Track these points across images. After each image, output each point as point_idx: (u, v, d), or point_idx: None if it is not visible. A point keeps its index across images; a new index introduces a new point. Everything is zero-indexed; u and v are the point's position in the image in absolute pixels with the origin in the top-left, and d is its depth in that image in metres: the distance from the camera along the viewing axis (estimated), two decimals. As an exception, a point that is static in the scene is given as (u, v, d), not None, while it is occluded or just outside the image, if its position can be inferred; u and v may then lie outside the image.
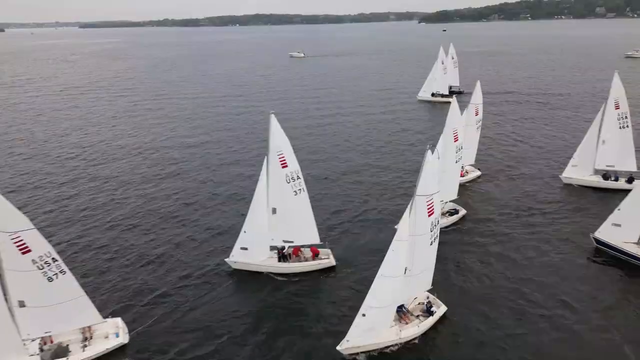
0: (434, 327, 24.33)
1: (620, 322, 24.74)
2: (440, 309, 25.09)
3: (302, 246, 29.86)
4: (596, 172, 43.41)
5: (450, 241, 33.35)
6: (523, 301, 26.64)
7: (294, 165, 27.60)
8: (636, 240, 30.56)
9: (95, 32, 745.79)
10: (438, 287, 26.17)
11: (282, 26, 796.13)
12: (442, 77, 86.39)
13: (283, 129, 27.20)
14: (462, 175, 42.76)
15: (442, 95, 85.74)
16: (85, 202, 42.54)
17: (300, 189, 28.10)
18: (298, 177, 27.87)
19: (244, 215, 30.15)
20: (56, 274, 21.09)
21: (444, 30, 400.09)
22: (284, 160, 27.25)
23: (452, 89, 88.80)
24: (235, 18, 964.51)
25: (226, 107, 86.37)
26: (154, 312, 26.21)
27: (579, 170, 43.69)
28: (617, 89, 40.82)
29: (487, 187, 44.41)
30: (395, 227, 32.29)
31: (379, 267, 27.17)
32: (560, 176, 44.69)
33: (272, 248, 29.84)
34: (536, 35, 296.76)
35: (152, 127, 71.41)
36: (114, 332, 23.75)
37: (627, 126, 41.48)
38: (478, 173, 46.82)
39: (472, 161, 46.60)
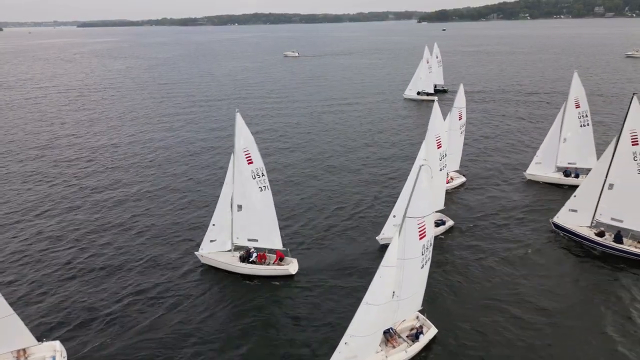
0: (424, 349, 22.96)
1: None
2: (429, 332, 23.53)
3: (268, 251, 30.24)
4: (558, 169, 44.74)
5: (439, 255, 31.44)
6: (519, 322, 25.08)
7: (258, 162, 28.59)
8: (589, 224, 33.01)
9: (94, 31, 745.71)
10: (427, 306, 24.56)
11: (280, 25, 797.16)
12: (427, 76, 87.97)
13: (257, 127, 28.42)
14: (447, 182, 41.00)
15: (428, 94, 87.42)
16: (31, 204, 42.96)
17: (265, 186, 29.01)
18: (263, 174, 28.82)
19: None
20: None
21: (444, 30, 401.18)
22: (250, 156, 28.28)
23: (436, 88, 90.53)
24: (234, 17, 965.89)
25: (197, 106, 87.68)
26: (100, 333, 24.73)
27: (542, 168, 45.01)
28: (576, 88, 42.00)
29: (474, 194, 42.82)
30: (378, 238, 32.75)
31: (343, 279, 28.28)
32: (524, 173, 46.03)
33: (237, 248, 30.67)
34: (538, 35, 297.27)
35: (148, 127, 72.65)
36: (50, 356, 21.93)
37: (588, 124, 42.68)
38: (463, 179, 45.30)
39: (457, 167, 44.98)
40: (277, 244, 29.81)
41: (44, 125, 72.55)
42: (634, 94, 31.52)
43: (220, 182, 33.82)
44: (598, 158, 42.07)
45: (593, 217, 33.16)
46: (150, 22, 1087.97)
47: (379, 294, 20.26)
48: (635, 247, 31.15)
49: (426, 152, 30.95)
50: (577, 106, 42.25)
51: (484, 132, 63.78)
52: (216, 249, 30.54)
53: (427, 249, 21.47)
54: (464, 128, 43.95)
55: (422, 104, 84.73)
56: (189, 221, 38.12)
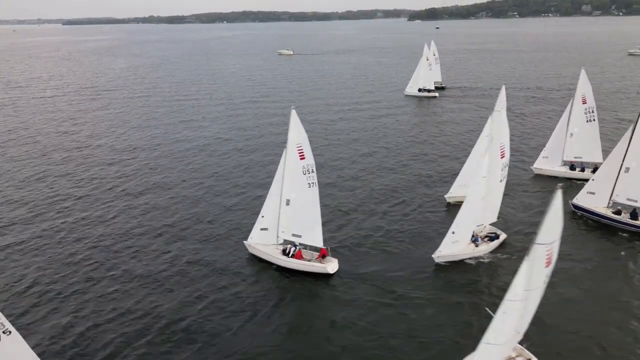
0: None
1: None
2: None
3: (310, 248, 30.55)
4: (564, 163, 46.17)
5: (500, 272, 29.43)
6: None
7: (310, 158, 29.19)
8: (606, 205, 36.41)
9: (81, 29, 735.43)
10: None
11: (270, 23, 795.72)
12: (427, 72, 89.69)
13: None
14: None
15: (429, 91, 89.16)
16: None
17: (314, 183, 29.51)
18: (312, 171, 29.34)
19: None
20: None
21: (437, 28, 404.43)
22: (302, 152, 28.91)
23: (435, 85, 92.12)
24: (223, 15, 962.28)
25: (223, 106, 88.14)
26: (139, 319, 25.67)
27: (549, 162, 46.43)
28: (583, 85, 43.46)
29: (511, 201, 40.28)
30: (434, 256, 29.80)
31: (383, 288, 27.85)
32: (531, 167, 47.40)
33: (283, 242, 31.22)
34: (535, 33, 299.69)
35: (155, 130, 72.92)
36: None
37: (594, 120, 44.18)
38: None
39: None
40: (319, 242, 30.12)
41: (87, 126, 72.81)
42: None
43: (269, 178, 34.96)
44: (603, 153, 44.02)
45: (610, 198, 36.17)
46: (137, 20, 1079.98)
47: (501, 333, 18.08)
48: None
49: (489, 164, 29.91)
50: (584, 102, 43.70)
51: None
52: (263, 240, 31.36)
53: (548, 276, 19.06)
54: None
55: (422, 100, 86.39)
56: (241, 212, 39.61)
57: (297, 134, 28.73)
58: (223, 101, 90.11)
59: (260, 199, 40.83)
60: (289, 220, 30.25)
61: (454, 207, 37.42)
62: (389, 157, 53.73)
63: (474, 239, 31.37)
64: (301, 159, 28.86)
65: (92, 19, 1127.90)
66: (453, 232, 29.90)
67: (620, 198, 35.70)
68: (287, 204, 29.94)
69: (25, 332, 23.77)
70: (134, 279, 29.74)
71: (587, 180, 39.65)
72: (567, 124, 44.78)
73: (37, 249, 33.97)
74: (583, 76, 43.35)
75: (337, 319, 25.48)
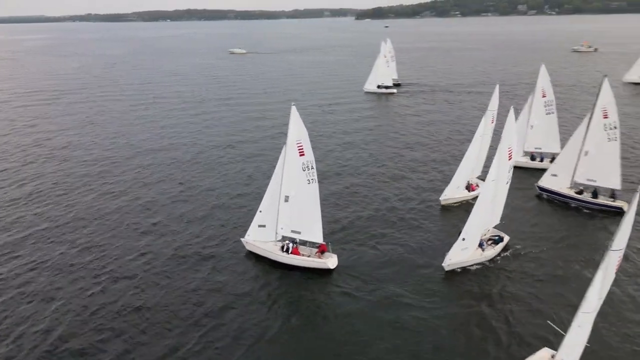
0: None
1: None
2: None
3: (310, 244, 30.51)
4: (525, 154, 48.61)
5: (509, 277, 28.78)
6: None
7: (310, 155, 29.16)
8: (569, 186, 39.72)
9: (10, 27, 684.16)
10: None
11: (216, 22, 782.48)
12: (385, 70, 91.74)
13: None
14: (473, 190, 40.46)
15: (387, 87, 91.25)
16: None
17: (313, 179, 29.46)
18: (312, 167, 29.33)
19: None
20: None
21: (386, 27, 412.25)
22: (302, 149, 28.85)
23: (393, 82, 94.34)
24: (166, 13, 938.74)
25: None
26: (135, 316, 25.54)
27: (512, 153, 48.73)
28: (543, 80, 45.98)
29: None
30: (444, 265, 28.84)
31: (381, 286, 27.59)
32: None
33: (281, 238, 31.02)
34: (483, 31, 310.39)
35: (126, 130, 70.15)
36: None
37: (553, 112, 46.84)
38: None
39: (479, 173, 42.43)
40: (319, 238, 30.10)
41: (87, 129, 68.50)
42: (604, 75, 36.97)
43: (267, 175, 35.22)
44: (561, 144, 46.76)
45: (572, 179, 39.56)
46: (73, 18, 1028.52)
47: (575, 347, 17.63)
48: (606, 200, 38.23)
49: (498, 167, 29.02)
50: (544, 95, 46.24)
51: (448, 124, 67.59)
52: (261, 237, 31.07)
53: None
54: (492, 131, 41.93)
55: (382, 97, 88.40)
56: (237, 209, 39.29)
57: (297, 131, 28.70)
58: (194, 101, 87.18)
59: (251, 196, 41.30)
60: (288, 216, 30.15)
61: (449, 209, 38.64)
62: (364, 158, 54.58)
63: (480, 244, 30.68)
64: (301, 155, 28.84)
65: (22, 18, 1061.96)
66: (463, 239, 28.91)
67: (581, 179, 39.24)
68: (286, 200, 29.83)
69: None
70: (127, 279, 29.12)
71: (545, 170, 41.93)
72: (528, 117, 47.23)
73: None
74: (543, 71, 45.84)
75: (338, 313, 25.65)
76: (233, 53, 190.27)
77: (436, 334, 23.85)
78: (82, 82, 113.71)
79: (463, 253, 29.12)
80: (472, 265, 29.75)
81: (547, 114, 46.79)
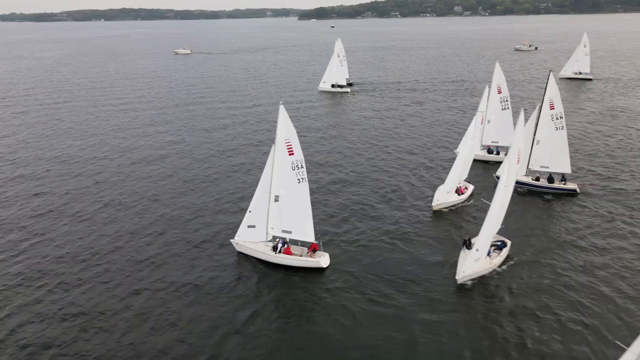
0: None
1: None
2: None
3: (301, 243, 30.53)
4: (483, 147, 50.98)
5: (519, 285, 27.71)
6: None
7: (299, 154, 28.95)
8: (524, 174, 42.67)
9: None
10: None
11: (154, 22, 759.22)
12: (338, 69, 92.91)
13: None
14: (462, 193, 40.03)
15: (341, 86, 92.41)
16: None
17: (303, 178, 29.27)
18: (302, 167, 29.16)
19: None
20: None
21: (332, 27, 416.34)
22: (291, 148, 28.62)
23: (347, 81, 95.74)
24: (99, 12, 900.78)
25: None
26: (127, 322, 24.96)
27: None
28: (498, 76, 48.38)
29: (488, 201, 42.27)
30: (458, 278, 27.22)
31: (373, 283, 27.61)
32: (454, 150, 51.62)
33: (272, 238, 30.76)
34: (429, 31, 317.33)
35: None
36: None
37: (508, 108, 49.36)
38: (472, 187, 42.13)
39: (466, 175, 42.12)
40: (310, 237, 30.00)
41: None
42: (550, 70, 40.66)
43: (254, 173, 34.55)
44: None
45: (527, 167, 42.53)
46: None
47: None
48: (560, 184, 41.63)
49: (508, 172, 28.05)
50: (499, 92, 48.65)
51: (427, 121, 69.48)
52: (251, 237, 30.65)
53: None
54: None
55: (336, 96, 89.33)
56: (225, 209, 38.72)
57: (285, 130, 28.60)
58: (155, 104, 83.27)
59: (239, 197, 40.87)
60: (278, 216, 29.98)
61: (441, 213, 37.71)
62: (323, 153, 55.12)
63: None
64: (290, 154, 28.75)
65: None
66: (477, 250, 27.69)
67: (535, 166, 42.41)
68: (276, 200, 29.63)
69: None
70: (113, 282, 28.36)
71: (502, 162, 44.12)
72: (485, 112, 49.42)
73: None
74: (498, 68, 48.23)
75: (331, 311, 25.66)
76: (178, 54, 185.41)
77: (430, 332, 23.90)
78: (25, 86, 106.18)
79: (476, 264, 27.85)
80: (483, 274, 28.38)
81: (502, 109, 49.23)
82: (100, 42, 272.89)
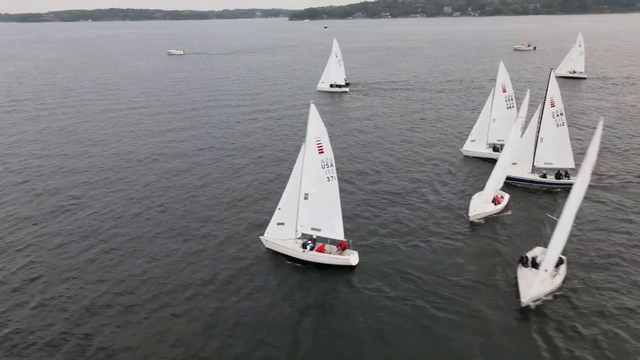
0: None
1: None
2: None
3: (330, 241, 30.51)
4: (488, 145, 51.51)
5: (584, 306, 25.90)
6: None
7: (329, 152, 29.14)
8: (530, 171, 43.41)
9: None
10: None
11: (143, 22, 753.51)
12: (336, 69, 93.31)
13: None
14: (498, 202, 37.87)
15: (339, 86, 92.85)
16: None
17: (332, 176, 29.47)
18: (331, 165, 29.33)
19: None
20: None
21: (325, 27, 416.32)
22: (321, 146, 28.84)
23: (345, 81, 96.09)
24: (87, 13, 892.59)
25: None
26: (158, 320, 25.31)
27: (476, 145, 51.50)
28: (502, 75, 48.98)
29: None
30: (522, 299, 25.34)
31: (403, 284, 27.51)
32: (460, 150, 52.12)
33: (301, 236, 30.87)
34: (422, 31, 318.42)
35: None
36: None
37: (513, 107, 49.93)
38: (508, 196, 39.87)
39: (502, 184, 40.45)
40: (339, 234, 30.02)
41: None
42: (551, 69, 41.86)
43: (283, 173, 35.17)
44: (522, 136, 49.95)
45: (532, 165, 43.21)
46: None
47: None
48: (569, 180, 41.54)
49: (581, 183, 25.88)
50: (504, 91, 49.26)
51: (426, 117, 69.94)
52: (280, 234, 30.80)
53: None
54: None
55: (334, 96, 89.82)
56: (254, 207, 38.99)
57: (315, 128, 28.77)
58: (171, 108, 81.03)
59: (269, 194, 41.24)
60: (308, 214, 30.09)
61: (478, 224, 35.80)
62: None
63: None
64: (320, 152, 28.92)
65: None
66: (546, 270, 25.86)
67: (539, 163, 43.14)
68: (306, 197, 29.75)
69: None
70: (143, 278, 28.91)
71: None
72: (490, 111, 50.03)
73: None
74: (502, 68, 48.81)
75: (361, 310, 25.67)
76: (170, 54, 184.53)
77: (460, 336, 23.38)
78: (25, 88, 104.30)
79: (542, 285, 25.84)
80: (547, 296, 26.39)
81: (507, 108, 49.81)
82: (92, 42, 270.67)
